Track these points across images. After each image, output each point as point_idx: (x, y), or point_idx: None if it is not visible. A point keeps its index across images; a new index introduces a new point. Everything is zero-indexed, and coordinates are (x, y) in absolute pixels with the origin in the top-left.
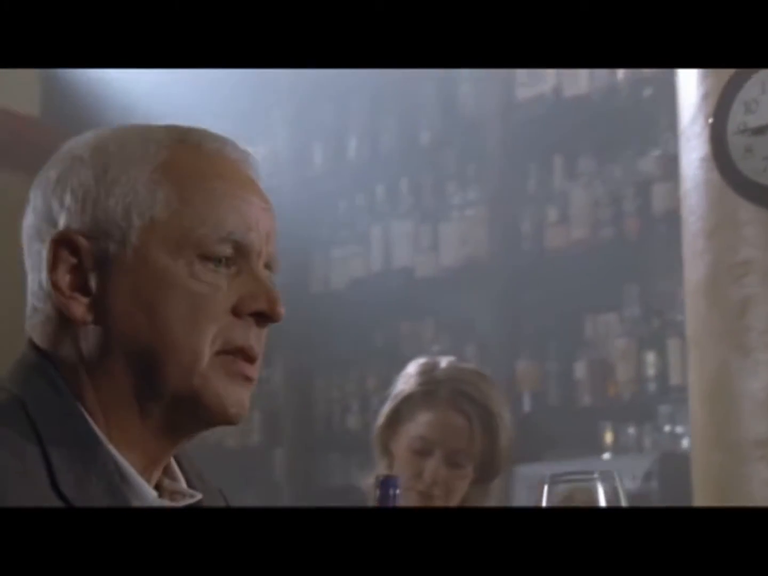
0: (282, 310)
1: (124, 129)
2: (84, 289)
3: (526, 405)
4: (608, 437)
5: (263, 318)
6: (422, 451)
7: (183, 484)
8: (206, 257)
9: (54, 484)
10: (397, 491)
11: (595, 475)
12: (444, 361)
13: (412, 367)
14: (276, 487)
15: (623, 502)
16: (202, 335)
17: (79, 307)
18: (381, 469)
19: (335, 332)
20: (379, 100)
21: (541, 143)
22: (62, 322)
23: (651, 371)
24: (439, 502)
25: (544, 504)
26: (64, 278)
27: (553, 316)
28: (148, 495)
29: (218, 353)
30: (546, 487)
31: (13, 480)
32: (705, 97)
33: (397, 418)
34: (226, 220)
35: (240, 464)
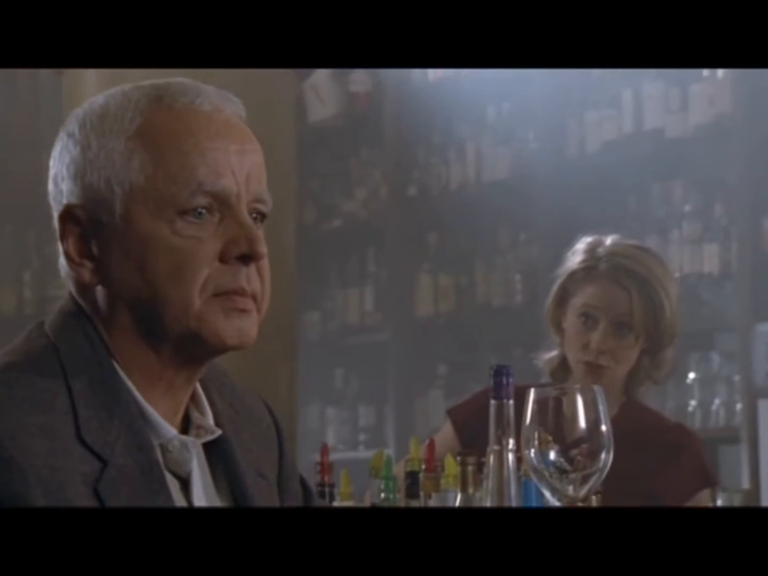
0: (262, 248)
1: (106, 98)
2: (89, 256)
3: None
4: None
5: (248, 259)
6: (587, 322)
7: (209, 419)
8: (185, 212)
9: (78, 432)
10: (510, 379)
11: (577, 387)
12: (608, 239)
13: (579, 245)
14: (536, 341)
15: (602, 416)
16: (189, 285)
17: (86, 273)
18: (554, 345)
19: (590, 195)
20: None
21: None
22: (81, 283)
23: None
24: (608, 373)
25: (529, 409)
26: (73, 248)
27: None
28: (167, 433)
29: (213, 296)
30: (533, 394)
31: (37, 436)
32: None
33: (563, 294)
34: (194, 173)
35: (504, 321)
